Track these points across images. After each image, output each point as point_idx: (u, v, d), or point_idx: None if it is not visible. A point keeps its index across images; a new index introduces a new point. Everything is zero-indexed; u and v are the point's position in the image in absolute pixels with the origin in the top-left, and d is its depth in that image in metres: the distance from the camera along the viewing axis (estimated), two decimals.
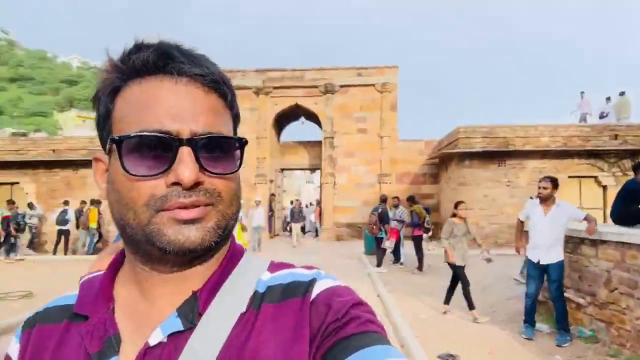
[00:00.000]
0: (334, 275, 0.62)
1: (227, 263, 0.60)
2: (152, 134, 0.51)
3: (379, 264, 10.17)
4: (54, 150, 15.87)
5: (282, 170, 20.52)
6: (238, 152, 0.58)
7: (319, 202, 19.71)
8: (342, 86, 17.87)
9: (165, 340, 0.53)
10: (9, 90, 60.04)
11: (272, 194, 18.82)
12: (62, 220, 13.63)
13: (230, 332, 0.53)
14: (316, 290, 0.57)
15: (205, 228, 0.53)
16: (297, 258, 12.65)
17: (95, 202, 13.63)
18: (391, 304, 6.73)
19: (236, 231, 9.29)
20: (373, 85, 17.78)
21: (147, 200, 0.52)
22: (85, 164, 15.19)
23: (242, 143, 0.58)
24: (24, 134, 31.18)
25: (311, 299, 0.56)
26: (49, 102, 59.38)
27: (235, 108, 0.61)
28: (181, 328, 0.53)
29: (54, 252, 13.74)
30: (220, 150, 0.55)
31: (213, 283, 0.57)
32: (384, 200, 11.25)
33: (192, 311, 0.54)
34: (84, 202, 13.97)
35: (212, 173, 0.54)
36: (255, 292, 0.58)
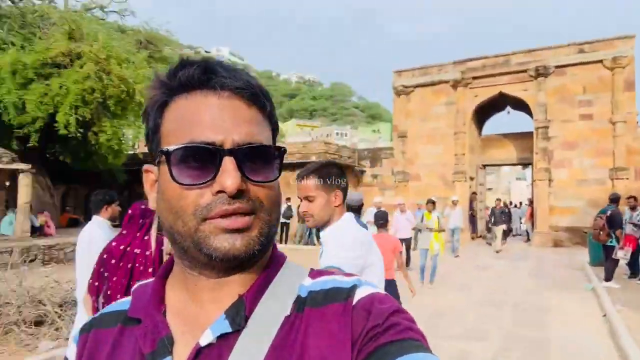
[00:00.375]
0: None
1: (269, 269, 0.62)
2: (198, 145, 0.54)
3: (607, 278, 8.32)
4: None
5: (484, 166, 18.97)
6: (277, 160, 0.60)
7: (531, 202, 17.45)
8: (557, 67, 15.40)
9: (214, 341, 0.55)
10: None
11: (474, 193, 17.56)
12: (287, 214, 15.57)
13: (276, 334, 0.56)
14: (357, 296, 0.58)
15: (250, 237, 0.56)
16: (501, 263, 11.45)
17: None
18: (621, 326, 5.35)
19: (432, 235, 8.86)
20: (600, 61, 14.76)
21: (194, 209, 0.55)
22: (301, 165, 17.04)
23: (282, 152, 0.61)
24: None
25: (353, 304, 0.57)
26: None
27: (274, 119, 0.64)
28: (229, 330, 0.56)
29: (280, 241, 15.87)
30: (260, 159, 0.58)
31: (257, 287, 0.60)
32: (614, 200, 9.14)
33: (239, 314, 0.57)
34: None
35: (254, 181, 0.57)
36: (298, 297, 0.60)
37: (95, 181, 17.29)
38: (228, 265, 0.56)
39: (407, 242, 9.63)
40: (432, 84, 17.43)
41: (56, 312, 5.71)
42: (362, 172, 19.00)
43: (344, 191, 1.96)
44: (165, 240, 2.98)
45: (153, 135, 0.60)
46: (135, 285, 0.68)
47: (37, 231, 12.40)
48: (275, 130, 0.64)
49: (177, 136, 0.56)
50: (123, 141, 15.12)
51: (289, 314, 0.57)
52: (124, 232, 2.87)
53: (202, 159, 0.55)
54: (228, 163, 0.54)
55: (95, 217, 3.58)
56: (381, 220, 5.24)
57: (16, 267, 10.37)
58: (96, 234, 3.38)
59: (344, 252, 1.77)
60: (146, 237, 2.86)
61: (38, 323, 5.58)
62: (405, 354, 0.51)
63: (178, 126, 0.57)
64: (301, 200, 1.94)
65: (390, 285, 4.07)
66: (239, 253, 0.55)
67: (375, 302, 0.57)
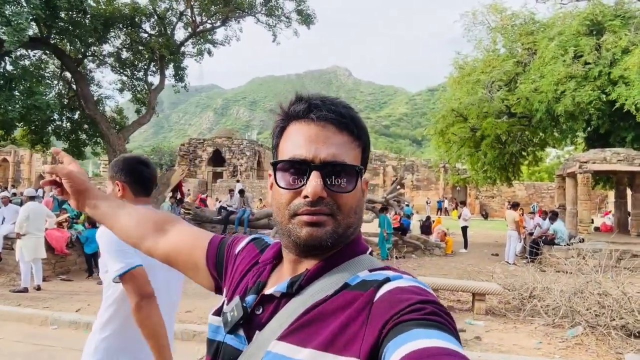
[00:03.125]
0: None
1: (335, 258, 0.78)
2: (294, 160, 0.75)
3: None
4: None
5: None
6: (357, 175, 0.76)
7: None
8: None
9: (276, 295, 0.77)
10: None
11: None
12: None
13: (313, 304, 0.72)
14: (386, 287, 0.69)
15: (325, 231, 0.73)
16: None
17: None
18: None
19: None
20: None
21: (287, 207, 0.75)
22: None
23: (358, 169, 0.77)
24: None
25: (377, 295, 0.68)
26: None
27: (363, 142, 0.79)
28: (284, 290, 0.76)
29: None
30: (342, 174, 0.74)
31: (318, 269, 0.77)
32: None
33: (296, 283, 0.76)
34: None
35: (333, 191, 0.74)
36: (345, 283, 0.74)
37: None
38: (307, 250, 0.75)
39: None
40: None
41: None
42: None
43: (132, 185, 1.85)
44: None
45: (274, 151, 0.82)
46: (276, 241, 0.92)
47: None
48: (365, 150, 0.80)
49: (285, 152, 0.77)
50: None
51: (330, 294, 0.72)
52: None
53: (296, 170, 0.74)
54: (314, 175, 0.72)
55: None
56: None
57: None
58: None
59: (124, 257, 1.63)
60: None
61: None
62: (422, 328, 0.57)
63: (287, 145, 0.77)
64: None
65: None
66: (314, 241, 0.73)
67: (404, 292, 0.66)
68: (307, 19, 15.81)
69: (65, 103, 15.48)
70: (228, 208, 13.43)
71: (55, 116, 14.89)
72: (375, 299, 0.68)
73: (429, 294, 0.67)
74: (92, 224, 8.65)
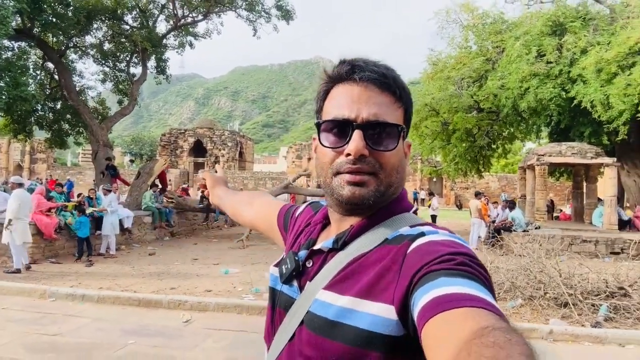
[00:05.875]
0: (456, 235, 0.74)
1: (376, 216, 0.80)
2: (337, 119, 0.77)
3: None
4: None
5: None
6: (399, 134, 0.78)
7: None
8: None
9: (324, 249, 0.82)
10: None
11: None
12: None
13: (355, 256, 0.77)
14: (419, 241, 0.71)
15: (367, 190, 0.75)
16: None
17: None
18: None
19: None
20: None
21: (330, 165, 0.78)
22: None
23: (400, 129, 0.78)
24: None
25: (410, 248, 0.71)
26: None
27: (405, 102, 0.80)
28: (330, 246, 0.81)
29: None
30: (384, 133, 0.76)
31: (361, 226, 0.80)
32: None
33: (341, 239, 0.81)
34: None
35: (375, 149, 0.75)
36: (386, 239, 0.77)
37: None
38: (349, 207, 0.78)
39: None
40: None
41: (577, 297, 5.91)
42: None
43: None
44: None
45: (318, 114, 0.84)
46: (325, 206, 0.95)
47: (626, 225, 12.15)
48: (407, 111, 0.81)
49: (329, 113, 0.79)
50: None
51: (371, 248, 0.76)
52: None
53: (339, 129, 0.76)
54: (356, 134, 0.73)
55: None
56: None
57: (601, 258, 10.81)
58: None
59: None
60: None
61: (566, 304, 5.99)
62: (449, 277, 0.59)
63: (330, 107, 0.79)
64: None
65: None
66: (356, 200, 0.75)
67: (437, 245, 0.68)
68: (286, 15, 16.27)
69: (47, 93, 15.71)
70: None
71: (38, 106, 15.13)
72: (409, 250, 0.70)
73: (462, 247, 0.67)
74: (82, 211, 9.12)
